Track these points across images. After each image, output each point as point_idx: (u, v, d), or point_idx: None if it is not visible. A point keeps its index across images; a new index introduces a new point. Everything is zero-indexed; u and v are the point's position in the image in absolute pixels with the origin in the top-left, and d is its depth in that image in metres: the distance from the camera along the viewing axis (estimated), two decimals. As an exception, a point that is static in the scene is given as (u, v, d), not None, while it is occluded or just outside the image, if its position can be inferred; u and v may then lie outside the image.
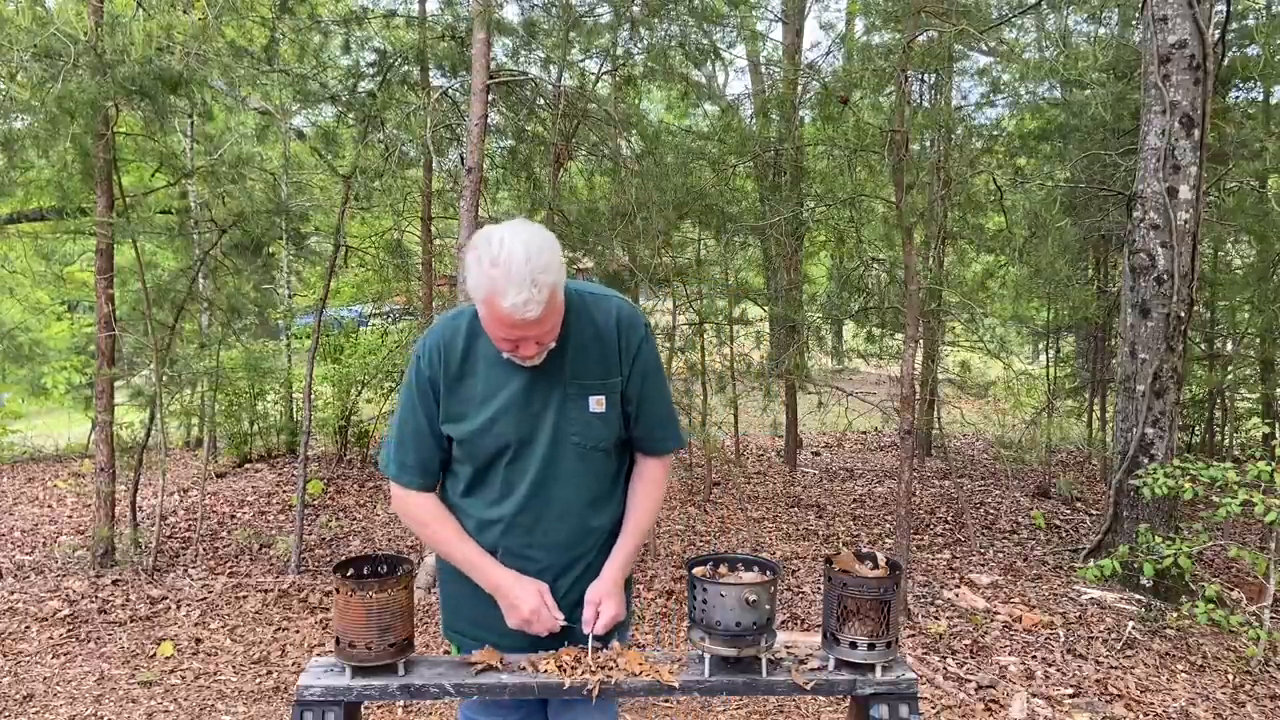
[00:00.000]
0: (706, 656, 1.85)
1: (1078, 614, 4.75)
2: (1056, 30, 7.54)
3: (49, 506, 7.21)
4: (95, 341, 5.52)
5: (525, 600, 1.92)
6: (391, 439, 2.02)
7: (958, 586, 5.19)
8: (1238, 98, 8.12)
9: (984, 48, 6.48)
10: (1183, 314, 4.99)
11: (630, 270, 6.20)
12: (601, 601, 1.96)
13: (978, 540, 6.22)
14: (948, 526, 6.59)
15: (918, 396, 6.00)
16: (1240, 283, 7.86)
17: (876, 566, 1.92)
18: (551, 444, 1.94)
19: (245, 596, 5.09)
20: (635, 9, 6.38)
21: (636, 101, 8.04)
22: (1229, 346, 8.76)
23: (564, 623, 1.95)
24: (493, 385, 1.93)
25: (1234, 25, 7.34)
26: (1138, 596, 4.93)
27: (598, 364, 1.95)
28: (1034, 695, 3.84)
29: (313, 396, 6.28)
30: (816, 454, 9.73)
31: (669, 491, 5.72)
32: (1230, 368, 8.45)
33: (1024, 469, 8.16)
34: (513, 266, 1.68)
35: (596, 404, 1.95)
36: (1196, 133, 4.89)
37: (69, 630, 4.60)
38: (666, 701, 3.75)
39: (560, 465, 1.95)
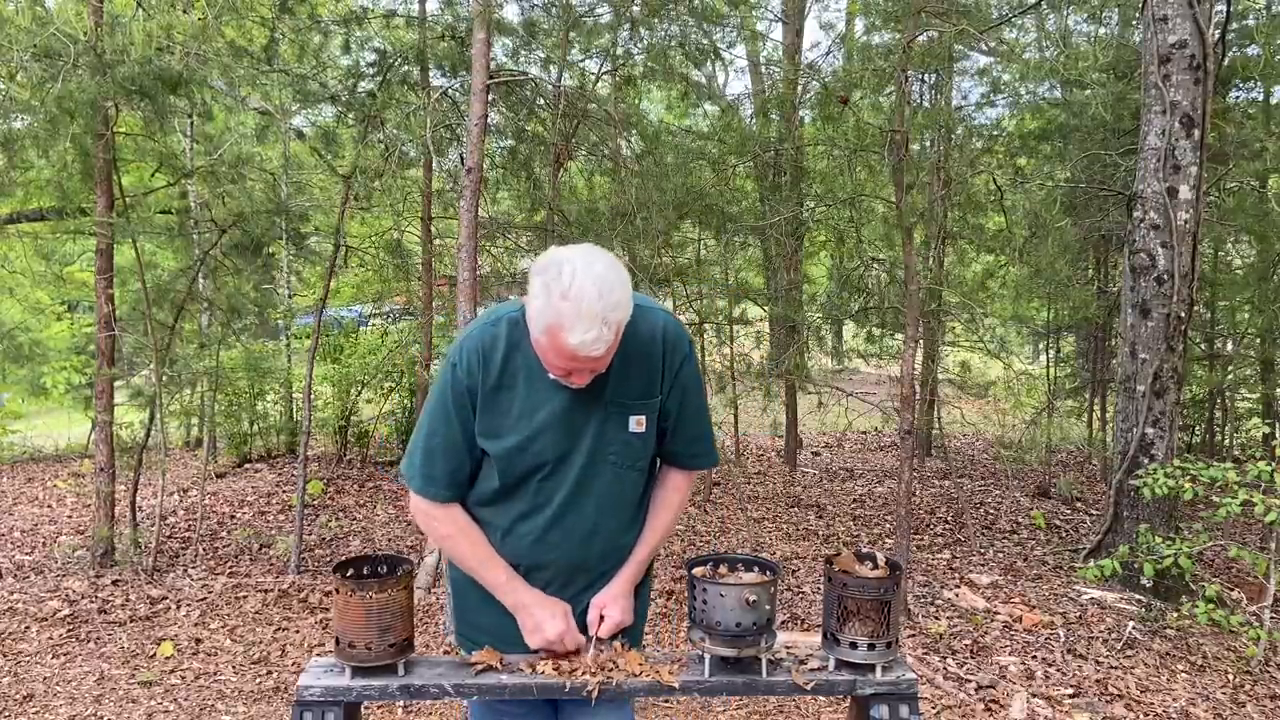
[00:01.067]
0: (706, 657, 1.85)
1: (1078, 614, 4.75)
2: (1056, 30, 7.54)
3: (49, 506, 7.21)
4: (95, 341, 5.52)
5: (550, 625, 1.89)
6: (417, 449, 1.92)
7: (958, 586, 5.19)
8: (1238, 98, 8.12)
9: (984, 48, 6.47)
10: (1183, 314, 4.99)
11: (630, 270, 6.19)
12: (606, 606, 1.95)
13: (978, 540, 6.22)
14: (948, 526, 6.59)
15: (918, 396, 6.00)
16: (1240, 283, 7.86)
17: (876, 566, 1.92)
18: (588, 463, 1.89)
19: (245, 596, 5.09)
20: (635, 9, 6.38)
21: (636, 101, 8.04)
22: (1229, 346, 8.77)
23: (587, 639, 1.94)
24: (533, 401, 1.86)
25: (1234, 25, 7.34)
26: (1138, 596, 4.93)
27: (640, 382, 1.89)
28: (1034, 695, 3.84)
29: (313, 396, 6.28)
30: (816, 454, 9.73)
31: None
32: (1230, 368, 8.45)
33: (1024, 469, 8.16)
34: (584, 303, 1.61)
35: (636, 424, 1.90)
36: (1196, 133, 4.89)
37: (69, 630, 4.60)
38: (666, 702, 3.75)
39: (594, 483, 1.91)
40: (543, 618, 1.90)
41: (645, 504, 2.03)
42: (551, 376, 1.81)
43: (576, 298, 1.62)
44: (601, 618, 1.95)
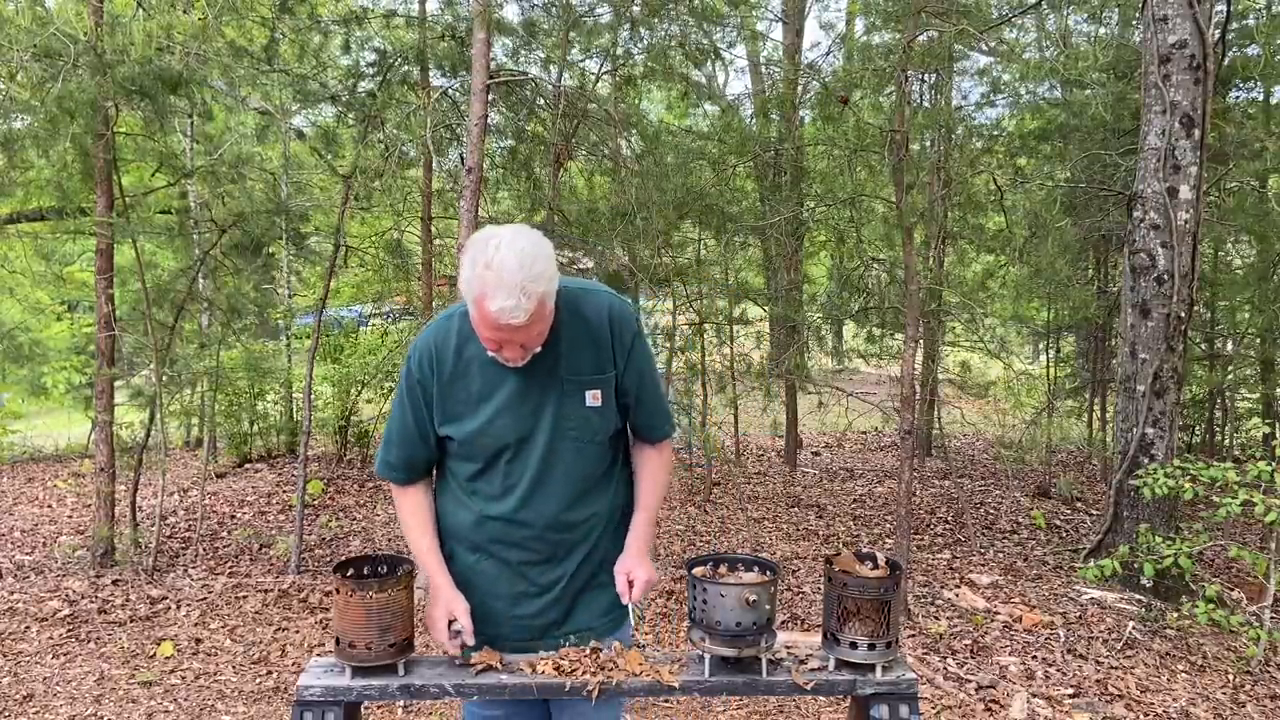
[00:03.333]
0: (706, 656, 1.85)
1: (1078, 614, 4.75)
2: (1056, 30, 7.54)
3: (49, 506, 7.21)
4: (95, 341, 5.52)
5: (432, 608, 1.98)
6: (385, 436, 2.10)
7: (958, 586, 5.19)
8: (1238, 98, 8.11)
9: (984, 48, 6.47)
10: (1183, 314, 4.99)
11: (630, 270, 6.20)
12: (632, 570, 2.00)
13: (978, 540, 6.22)
14: (948, 526, 6.59)
15: (918, 396, 6.00)
16: (1240, 283, 7.86)
17: (876, 566, 1.92)
18: (550, 440, 1.97)
19: (245, 596, 5.09)
20: (635, 9, 6.39)
21: (636, 101, 8.05)
22: (1229, 346, 8.77)
23: (462, 647, 1.94)
24: (488, 385, 1.96)
25: (1234, 25, 7.33)
26: (1138, 596, 4.93)
27: (591, 359, 1.98)
28: (1034, 695, 3.84)
29: (313, 396, 6.28)
30: (816, 454, 9.73)
31: (669, 492, 5.72)
32: (1230, 368, 8.45)
33: (1024, 469, 8.16)
34: (505, 272, 1.71)
35: (593, 398, 1.98)
36: (1196, 133, 4.89)
37: (69, 630, 4.60)
38: (666, 701, 3.75)
39: (558, 460, 1.98)
40: (433, 602, 1.98)
41: (612, 479, 2.09)
42: (501, 359, 1.89)
43: (499, 268, 1.72)
44: (630, 584, 1.99)
